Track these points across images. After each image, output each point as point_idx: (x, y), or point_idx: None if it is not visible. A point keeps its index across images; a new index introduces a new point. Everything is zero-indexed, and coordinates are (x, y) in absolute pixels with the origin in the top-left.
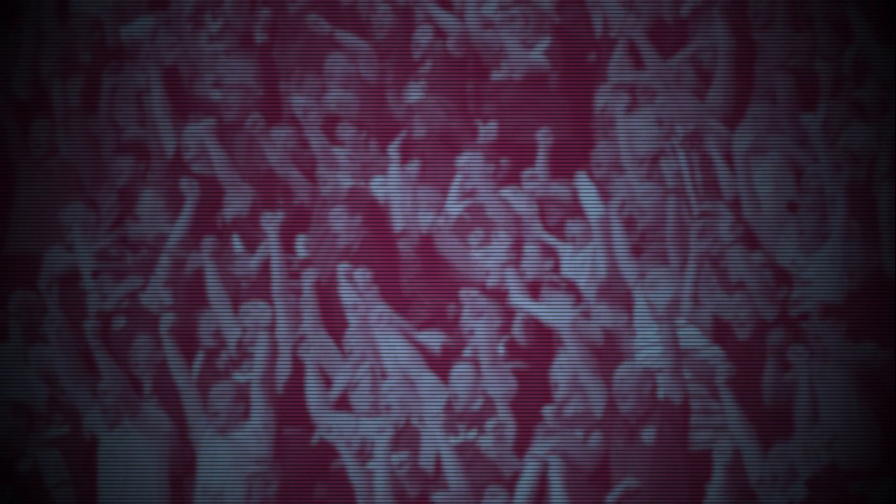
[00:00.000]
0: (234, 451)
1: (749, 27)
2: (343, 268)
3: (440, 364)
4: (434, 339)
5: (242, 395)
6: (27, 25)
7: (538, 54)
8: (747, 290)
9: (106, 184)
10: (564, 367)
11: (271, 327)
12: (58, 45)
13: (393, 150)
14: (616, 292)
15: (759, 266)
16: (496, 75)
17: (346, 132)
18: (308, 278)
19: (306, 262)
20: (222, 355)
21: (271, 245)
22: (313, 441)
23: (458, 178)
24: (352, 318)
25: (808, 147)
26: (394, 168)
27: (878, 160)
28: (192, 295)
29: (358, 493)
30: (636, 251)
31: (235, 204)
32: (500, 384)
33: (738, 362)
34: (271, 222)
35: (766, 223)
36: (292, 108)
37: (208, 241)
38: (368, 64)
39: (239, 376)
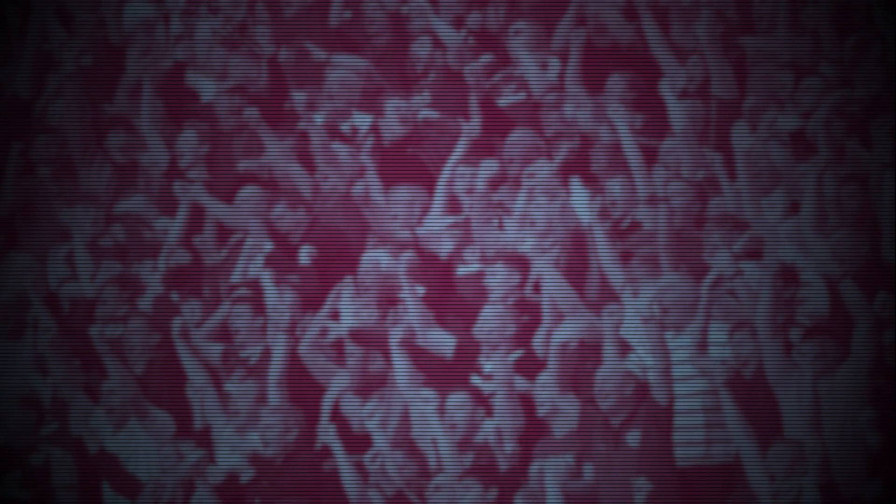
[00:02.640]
0: (252, 449)
1: (750, 29)
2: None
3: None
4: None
5: (262, 394)
6: (32, 25)
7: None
8: (748, 292)
9: (106, 185)
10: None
11: (290, 329)
12: (60, 44)
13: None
14: (608, 290)
15: (761, 267)
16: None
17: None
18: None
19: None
20: (238, 355)
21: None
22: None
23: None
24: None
25: (807, 147)
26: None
27: (877, 160)
28: (194, 297)
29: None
30: (627, 255)
31: (236, 202)
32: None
33: (741, 363)
34: (265, 223)
35: (768, 224)
36: (292, 106)
37: (209, 242)
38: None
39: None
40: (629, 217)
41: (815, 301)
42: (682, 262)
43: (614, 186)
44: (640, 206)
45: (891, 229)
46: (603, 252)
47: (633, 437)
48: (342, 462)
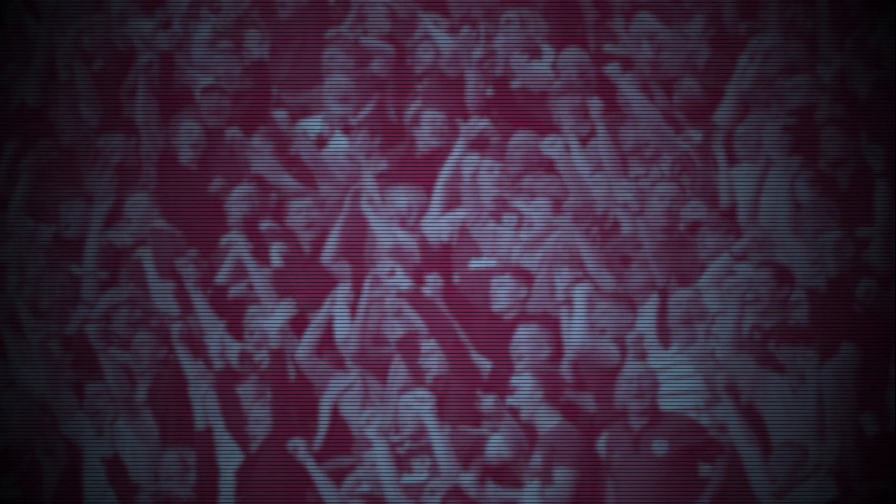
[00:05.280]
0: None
1: (750, 30)
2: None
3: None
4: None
5: (261, 395)
6: (40, 33)
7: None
8: (748, 293)
9: (105, 186)
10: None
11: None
12: (65, 50)
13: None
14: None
15: (760, 268)
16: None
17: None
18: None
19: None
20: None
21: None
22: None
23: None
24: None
25: (804, 148)
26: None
27: (875, 162)
28: (194, 299)
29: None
30: (624, 257)
31: (239, 207)
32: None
33: (742, 364)
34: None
35: (766, 224)
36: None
37: (210, 246)
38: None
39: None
40: (612, 216)
41: (803, 303)
42: (677, 262)
43: (600, 184)
44: (624, 206)
45: (881, 230)
46: (587, 254)
47: (659, 446)
48: (315, 471)
